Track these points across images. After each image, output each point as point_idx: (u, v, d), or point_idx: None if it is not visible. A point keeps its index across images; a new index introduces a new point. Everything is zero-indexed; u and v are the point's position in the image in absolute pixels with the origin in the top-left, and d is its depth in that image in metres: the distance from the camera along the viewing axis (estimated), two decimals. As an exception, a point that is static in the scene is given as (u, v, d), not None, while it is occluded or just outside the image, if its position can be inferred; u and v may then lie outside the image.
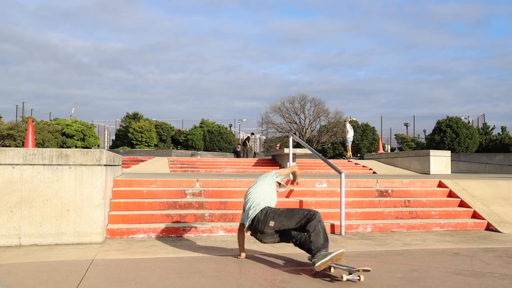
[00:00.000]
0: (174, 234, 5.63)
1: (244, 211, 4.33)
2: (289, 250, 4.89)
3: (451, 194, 7.62)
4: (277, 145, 34.68)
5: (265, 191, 4.32)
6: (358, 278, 3.58)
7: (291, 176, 4.93)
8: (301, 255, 4.63)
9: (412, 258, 4.55)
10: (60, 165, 5.21)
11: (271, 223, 4.03)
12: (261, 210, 4.12)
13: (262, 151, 45.38)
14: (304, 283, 3.56)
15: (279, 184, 4.63)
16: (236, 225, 5.87)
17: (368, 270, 3.62)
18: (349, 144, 19.35)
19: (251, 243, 5.21)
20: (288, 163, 11.47)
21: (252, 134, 34.31)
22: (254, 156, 31.99)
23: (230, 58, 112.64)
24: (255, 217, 4.11)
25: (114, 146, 36.64)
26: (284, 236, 4.15)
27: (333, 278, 3.71)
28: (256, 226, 4.10)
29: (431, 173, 14.08)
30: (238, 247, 4.58)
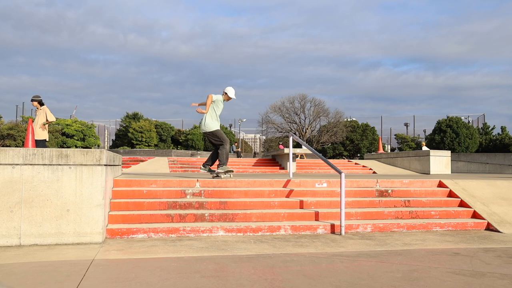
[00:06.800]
0: (174, 234, 5.63)
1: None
2: (289, 250, 4.89)
3: (451, 194, 7.63)
4: (280, 143, 34.13)
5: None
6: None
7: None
8: (301, 255, 4.64)
9: (412, 258, 4.55)
10: (60, 165, 5.21)
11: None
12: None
13: (262, 151, 45.41)
14: (304, 283, 3.56)
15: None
16: (236, 225, 5.88)
17: (232, 171, 7.88)
18: None
19: (251, 243, 5.21)
20: (288, 162, 11.45)
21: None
22: (254, 156, 31.99)
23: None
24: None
25: (114, 146, 36.70)
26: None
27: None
28: None
29: (431, 173, 14.09)
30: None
